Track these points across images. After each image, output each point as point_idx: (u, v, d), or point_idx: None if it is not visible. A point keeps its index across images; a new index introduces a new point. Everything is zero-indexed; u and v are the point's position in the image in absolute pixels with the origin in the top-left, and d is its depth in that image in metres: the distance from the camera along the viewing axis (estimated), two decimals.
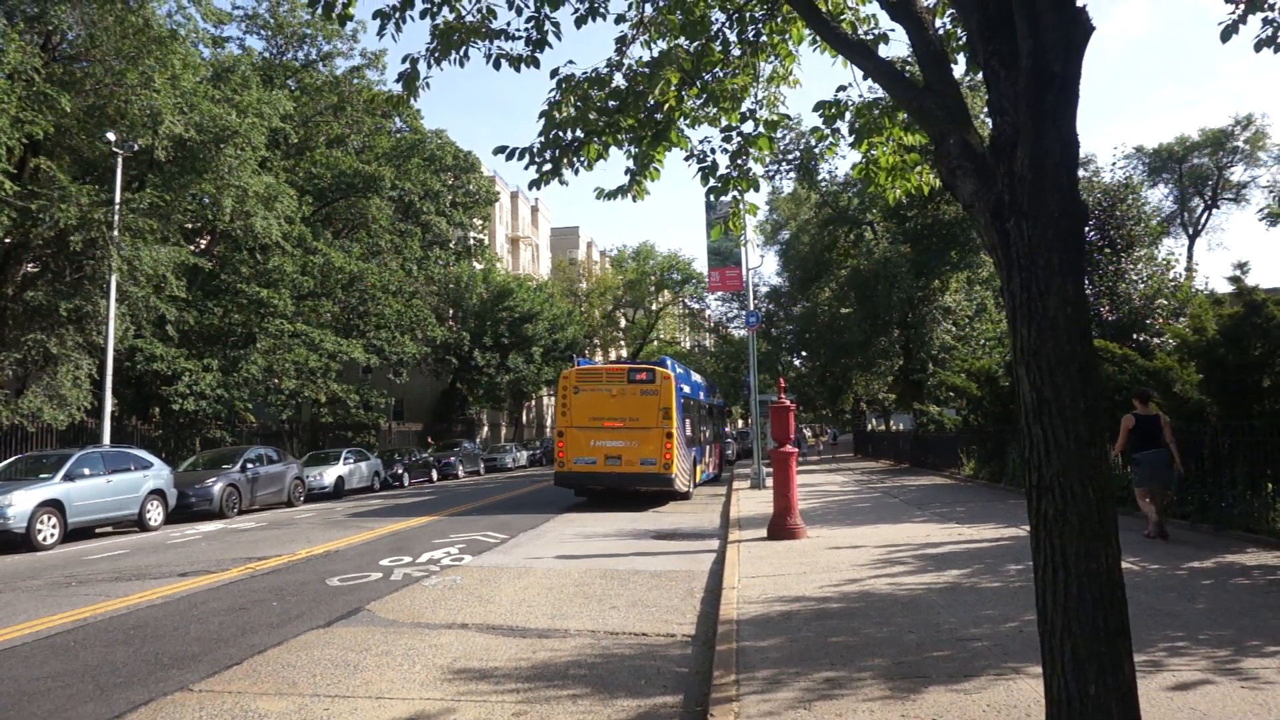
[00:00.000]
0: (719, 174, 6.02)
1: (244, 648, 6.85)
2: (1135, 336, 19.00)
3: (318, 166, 33.88)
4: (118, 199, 20.88)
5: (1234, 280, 12.68)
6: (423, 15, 5.34)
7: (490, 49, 5.49)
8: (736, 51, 5.98)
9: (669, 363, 20.37)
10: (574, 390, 19.16)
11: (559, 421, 19.42)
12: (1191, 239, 56.28)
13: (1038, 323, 3.13)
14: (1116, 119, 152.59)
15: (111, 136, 20.79)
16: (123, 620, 8.11)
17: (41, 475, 15.25)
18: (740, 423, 67.54)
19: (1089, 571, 3.00)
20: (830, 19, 4.72)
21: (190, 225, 26.64)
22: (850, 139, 6.14)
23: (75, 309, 21.11)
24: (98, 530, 16.56)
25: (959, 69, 5.35)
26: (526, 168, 5.45)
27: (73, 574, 11.26)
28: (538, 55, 5.63)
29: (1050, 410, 3.10)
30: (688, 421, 20.95)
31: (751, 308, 25.00)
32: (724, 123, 6.08)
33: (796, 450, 12.85)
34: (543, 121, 5.41)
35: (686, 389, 21.62)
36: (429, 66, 5.38)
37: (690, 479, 20.75)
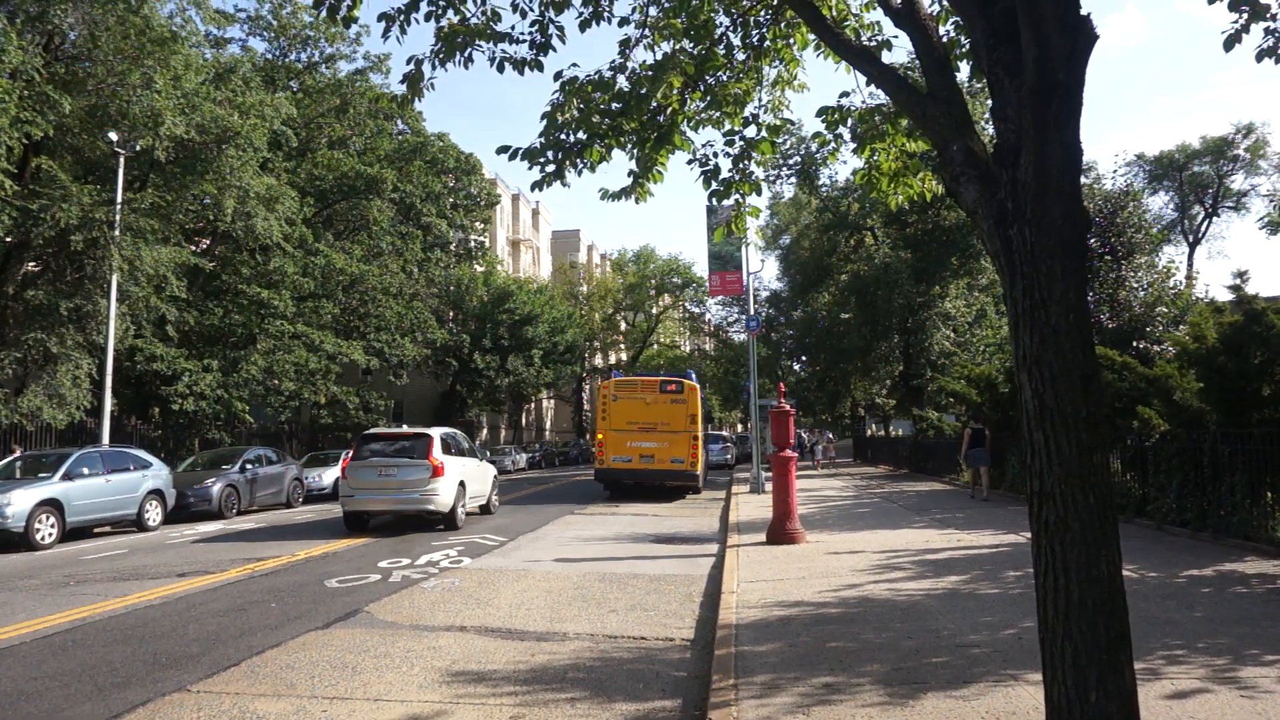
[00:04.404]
0: (721, 177, 6.02)
1: (242, 649, 6.84)
2: (1135, 344, 19.01)
3: (319, 168, 33.87)
4: (119, 199, 20.88)
5: (1234, 288, 12.70)
6: (427, 18, 5.34)
7: (494, 51, 5.50)
8: (740, 55, 5.98)
9: (693, 376, 23.43)
10: (613, 398, 21.96)
11: (599, 425, 22.30)
12: (1192, 247, 56.33)
13: (1040, 330, 3.13)
14: (1112, 126, 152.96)
15: (113, 136, 20.79)
16: (121, 620, 8.10)
17: (40, 474, 15.20)
18: (740, 427, 67.67)
19: (1090, 578, 3.00)
20: (834, 25, 4.73)
21: (191, 226, 26.64)
22: (853, 144, 6.15)
23: (76, 308, 21.10)
24: (96, 530, 16.52)
25: (961, 76, 5.35)
26: (529, 169, 5.45)
27: (71, 574, 11.24)
28: (541, 58, 5.64)
29: (1052, 417, 3.10)
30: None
31: (752, 312, 25.09)
32: (727, 126, 6.09)
33: (796, 455, 12.84)
34: (545, 123, 5.41)
35: (701, 397, 24.52)
36: (433, 68, 5.39)
37: (704, 477, 24.10)
